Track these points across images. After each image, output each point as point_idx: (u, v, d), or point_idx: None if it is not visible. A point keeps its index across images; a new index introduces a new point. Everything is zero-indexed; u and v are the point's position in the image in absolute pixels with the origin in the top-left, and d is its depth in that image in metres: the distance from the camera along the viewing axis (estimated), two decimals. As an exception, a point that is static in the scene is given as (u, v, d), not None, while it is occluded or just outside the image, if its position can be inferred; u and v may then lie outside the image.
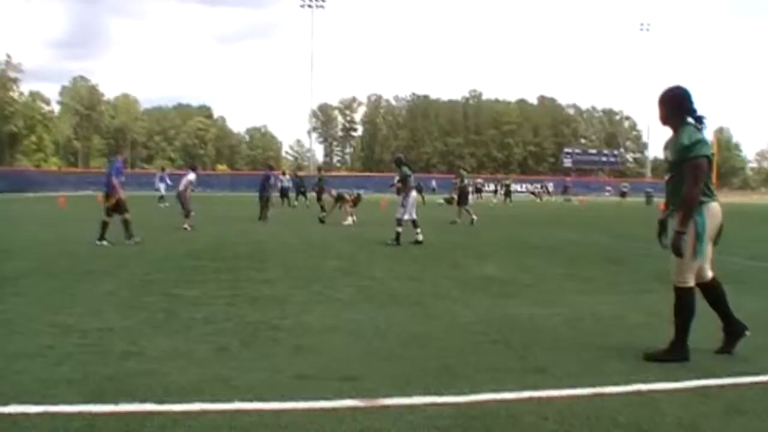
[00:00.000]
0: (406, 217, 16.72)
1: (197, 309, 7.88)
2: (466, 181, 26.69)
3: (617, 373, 5.40)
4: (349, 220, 23.90)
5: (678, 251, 5.74)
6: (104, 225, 15.42)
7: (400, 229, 16.38)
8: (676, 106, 5.93)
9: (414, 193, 17.54)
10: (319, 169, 42.10)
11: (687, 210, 5.68)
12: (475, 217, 24.74)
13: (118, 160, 16.48)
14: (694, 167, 5.65)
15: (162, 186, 37.90)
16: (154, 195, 37.43)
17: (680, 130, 5.83)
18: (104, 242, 15.11)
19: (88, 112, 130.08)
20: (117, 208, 15.53)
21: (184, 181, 21.30)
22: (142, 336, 6.45)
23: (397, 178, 18.94)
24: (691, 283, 5.84)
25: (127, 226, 15.39)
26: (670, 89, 6.05)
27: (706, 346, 6.11)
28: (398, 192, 18.71)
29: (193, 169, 22.75)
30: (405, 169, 17.31)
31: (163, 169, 28.98)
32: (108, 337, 6.38)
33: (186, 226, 19.71)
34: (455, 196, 28.87)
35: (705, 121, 5.86)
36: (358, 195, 26.63)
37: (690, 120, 5.84)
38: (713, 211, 5.76)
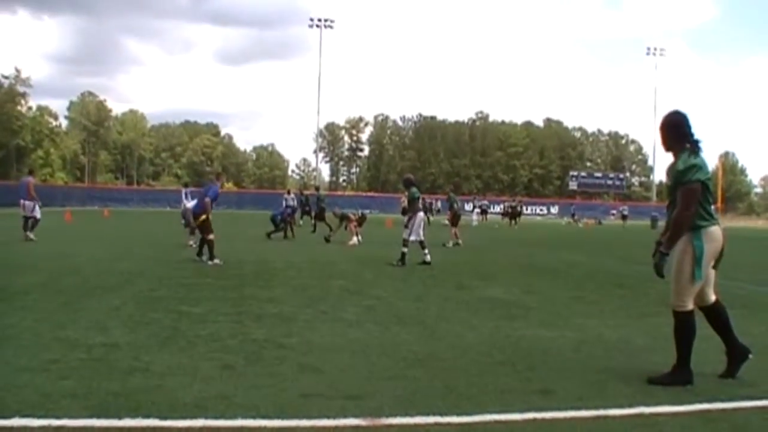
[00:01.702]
0: (412, 238, 16.70)
1: (202, 326, 7.88)
2: (457, 205, 26.72)
3: (621, 396, 5.39)
4: (354, 240, 23.87)
5: (659, 272, 5.78)
6: (209, 243, 15.57)
7: (405, 250, 16.37)
8: (674, 131, 5.97)
9: (421, 214, 17.50)
10: (317, 188, 42.01)
11: (674, 233, 5.73)
12: (460, 242, 24.67)
13: (217, 184, 16.56)
14: (686, 192, 5.69)
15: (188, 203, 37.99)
16: (168, 211, 37.58)
17: (678, 156, 5.86)
18: (216, 260, 15.26)
19: (95, 127, 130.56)
20: (202, 228, 15.63)
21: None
22: (147, 352, 6.45)
23: (403, 198, 18.98)
24: (690, 306, 5.84)
25: (210, 247, 15.39)
26: (669, 115, 6.10)
27: (710, 369, 6.10)
28: (404, 212, 18.67)
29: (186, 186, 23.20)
30: (414, 190, 17.27)
31: (186, 185, 29.08)
32: (113, 353, 6.39)
33: (192, 243, 19.69)
34: (447, 219, 29.03)
35: (701, 145, 5.87)
36: (363, 215, 26.62)
37: (688, 145, 5.86)
38: (713, 235, 5.77)
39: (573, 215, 69.23)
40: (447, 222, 31.82)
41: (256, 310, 9.10)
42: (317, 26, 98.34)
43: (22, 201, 22.25)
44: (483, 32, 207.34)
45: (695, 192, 5.67)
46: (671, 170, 5.93)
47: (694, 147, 5.84)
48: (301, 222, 36.21)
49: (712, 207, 5.92)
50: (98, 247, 19.56)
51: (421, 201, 18.27)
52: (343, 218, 25.29)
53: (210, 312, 8.86)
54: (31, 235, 21.44)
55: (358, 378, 5.75)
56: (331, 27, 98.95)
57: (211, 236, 15.48)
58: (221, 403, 4.91)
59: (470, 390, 5.47)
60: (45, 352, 6.31)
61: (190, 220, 20.02)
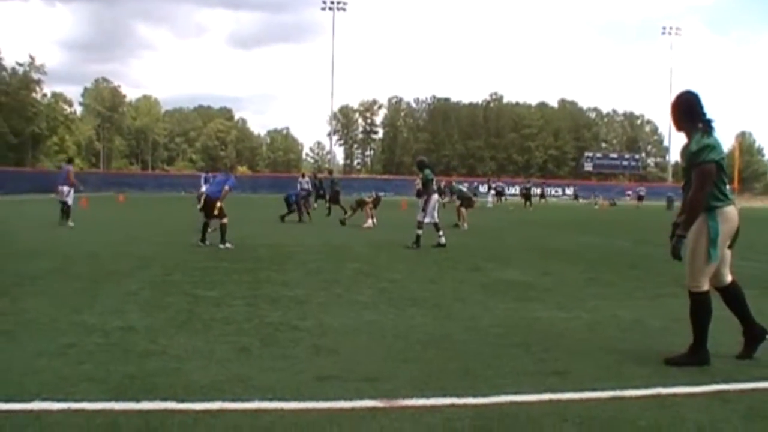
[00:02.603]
0: (427, 220, 16.62)
1: (218, 309, 7.92)
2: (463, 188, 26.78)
3: (637, 377, 5.38)
4: (369, 223, 23.90)
5: (676, 255, 5.77)
6: (223, 227, 15.71)
7: (420, 232, 16.32)
8: (686, 111, 5.92)
9: (435, 196, 17.44)
10: (330, 171, 41.97)
11: (690, 214, 5.69)
12: (466, 225, 24.40)
13: (232, 175, 17.08)
14: (701, 172, 5.64)
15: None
16: (182, 196, 37.59)
17: (692, 136, 5.82)
18: (228, 244, 15.37)
19: (110, 113, 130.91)
20: (219, 213, 15.77)
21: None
22: (163, 335, 6.49)
23: (418, 181, 18.97)
24: (705, 287, 5.81)
25: (224, 231, 15.53)
26: (680, 95, 6.06)
27: (726, 350, 6.08)
28: (419, 195, 18.63)
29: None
30: (427, 172, 17.12)
31: (207, 171, 29.09)
32: (129, 337, 6.43)
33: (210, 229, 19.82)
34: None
35: (714, 125, 5.82)
36: (378, 196, 26.57)
37: (700, 125, 5.82)
38: (728, 215, 5.73)
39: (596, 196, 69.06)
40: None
41: (271, 294, 9.13)
42: (330, 9, 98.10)
43: (60, 187, 23.17)
44: (496, 13, 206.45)
45: (710, 172, 5.63)
46: (685, 151, 5.90)
47: (707, 127, 5.79)
48: (315, 205, 36.21)
49: (728, 187, 5.87)
50: (113, 232, 19.67)
51: (436, 183, 18.25)
52: (360, 204, 25.31)
53: (225, 295, 8.90)
54: (71, 223, 22.14)
55: (374, 360, 5.77)
56: (344, 9, 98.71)
57: (225, 220, 15.55)
58: (238, 386, 4.94)
59: (486, 371, 5.47)
60: (62, 337, 6.35)
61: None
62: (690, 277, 5.85)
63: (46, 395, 4.62)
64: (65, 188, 23.14)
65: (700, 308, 5.82)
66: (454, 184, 28.53)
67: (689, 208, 5.71)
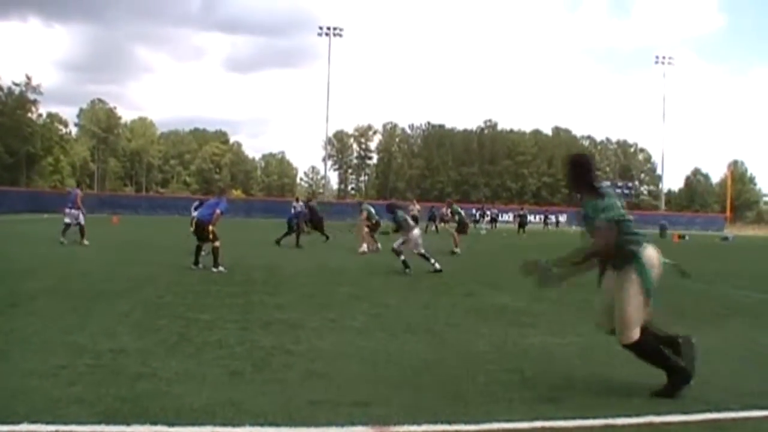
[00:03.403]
0: (416, 251, 16.84)
1: (210, 332, 7.90)
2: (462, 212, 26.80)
3: (629, 405, 5.37)
4: (364, 247, 23.84)
5: (543, 283, 6.09)
6: (215, 250, 15.65)
7: (402, 257, 16.45)
8: (580, 173, 6.04)
9: (416, 231, 17.66)
10: (311, 196, 42.11)
11: (578, 263, 5.84)
12: (458, 250, 24.32)
13: (223, 198, 16.97)
14: (598, 232, 5.80)
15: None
16: (176, 218, 37.64)
17: (586, 200, 5.92)
18: (221, 268, 15.26)
19: (105, 134, 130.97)
20: (212, 236, 15.76)
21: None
22: (155, 358, 6.47)
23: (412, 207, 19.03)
24: (637, 335, 5.79)
25: (216, 254, 15.49)
26: (573, 156, 6.27)
27: (719, 380, 6.08)
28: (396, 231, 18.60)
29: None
30: (399, 213, 17.60)
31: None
32: (121, 359, 6.41)
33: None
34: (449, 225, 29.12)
35: (608, 188, 5.98)
36: (377, 221, 26.31)
37: (596, 186, 5.91)
38: (651, 259, 5.80)
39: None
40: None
41: (263, 317, 9.11)
42: (326, 34, 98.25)
43: (68, 210, 24.20)
44: (491, 41, 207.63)
45: (606, 232, 5.68)
46: (579, 215, 5.97)
47: (598, 190, 5.82)
48: (306, 230, 36.26)
49: (638, 232, 5.91)
50: (107, 253, 19.61)
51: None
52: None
53: (218, 318, 8.87)
54: (86, 242, 22.97)
55: (366, 385, 5.75)
56: (340, 35, 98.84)
57: (217, 243, 15.55)
58: (229, 410, 4.92)
59: (478, 398, 5.46)
60: (53, 357, 6.33)
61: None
62: (624, 334, 5.81)
63: (35, 417, 4.60)
64: (74, 211, 23.89)
65: (645, 350, 5.85)
66: (455, 205, 28.37)
67: (581, 258, 5.78)
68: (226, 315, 9.18)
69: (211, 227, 15.67)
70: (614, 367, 6.74)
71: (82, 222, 23.87)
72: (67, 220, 23.97)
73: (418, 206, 43.09)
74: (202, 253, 15.92)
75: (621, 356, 7.24)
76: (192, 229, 16.75)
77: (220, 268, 15.07)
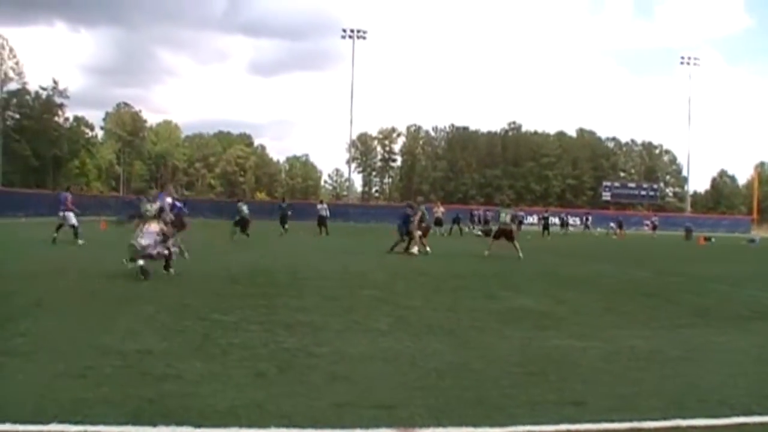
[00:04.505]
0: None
1: (234, 334, 7.93)
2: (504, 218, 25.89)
3: (655, 408, 5.34)
4: (415, 249, 23.75)
5: None
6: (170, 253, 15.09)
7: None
8: None
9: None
10: (283, 198, 43.02)
11: None
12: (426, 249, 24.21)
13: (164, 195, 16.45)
14: None
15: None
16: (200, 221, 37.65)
17: None
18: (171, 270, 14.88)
19: (130, 137, 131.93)
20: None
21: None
22: (180, 359, 6.51)
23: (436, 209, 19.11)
24: None
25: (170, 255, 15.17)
26: None
27: (745, 382, 6.04)
28: (438, 223, 18.60)
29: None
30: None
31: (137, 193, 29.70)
32: (147, 360, 6.45)
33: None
34: (493, 228, 28.62)
35: None
36: (428, 225, 25.92)
37: None
38: None
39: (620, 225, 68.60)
40: (480, 233, 31.51)
41: (287, 319, 9.13)
42: (350, 37, 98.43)
43: (62, 213, 25.28)
44: (515, 42, 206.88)
45: None
46: None
47: None
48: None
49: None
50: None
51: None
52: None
53: (242, 320, 8.90)
54: (80, 241, 24.03)
55: (390, 388, 5.76)
56: (363, 38, 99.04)
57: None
58: (254, 412, 4.95)
59: (502, 401, 5.46)
60: (80, 359, 6.39)
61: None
62: None
63: (63, 417, 4.66)
64: (68, 213, 25.17)
65: None
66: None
67: None
68: (250, 317, 9.21)
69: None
70: (639, 370, 6.71)
71: (74, 223, 25.07)
72: (72, 221, 25.25)
73: (442, 208, 42.95)
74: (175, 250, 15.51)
75: (646, 360, 7.23)
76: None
77: (172, 270, 14.76)
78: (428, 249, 24.32)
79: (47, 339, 7.36)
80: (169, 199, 15.81)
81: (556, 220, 69.30)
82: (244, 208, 31.94)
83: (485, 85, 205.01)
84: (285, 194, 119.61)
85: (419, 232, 24.47)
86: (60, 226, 24.94)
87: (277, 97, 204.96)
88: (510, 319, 9.78)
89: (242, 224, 31.33)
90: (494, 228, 26.34)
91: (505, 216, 24.81)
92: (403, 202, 33.41)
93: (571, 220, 74.65)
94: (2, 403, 5.02)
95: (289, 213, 37.61)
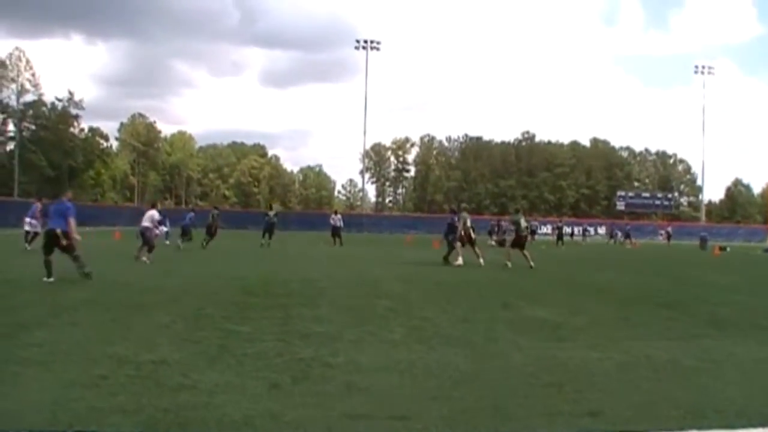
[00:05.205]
0: None
1: (250, 344, 7.93)
2: (524, 224, 25.20)
3: (671, 418, 5.31)
4: (460, 260, 23.53)
5: None
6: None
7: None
8: None
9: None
10: (270, 206, 41.69)
11: None
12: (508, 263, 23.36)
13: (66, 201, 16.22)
14: None
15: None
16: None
17: None
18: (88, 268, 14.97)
19: (145, 148, 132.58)
20: (70, 246, 15.12)
21: (146, 217, 23.21)
22: (195, 369, 6.51)
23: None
24: None
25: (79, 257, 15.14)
26: None
27: (759, 395, 5.99)
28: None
29: (153, 206, 25.00)
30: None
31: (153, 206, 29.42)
32: (162, 370, 6.46)
33: (145, 258, 21.35)
34: (508, 238, 28.33)
35: None
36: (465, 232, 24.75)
37: None
38: None
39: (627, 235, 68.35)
40: (494, 243, 31.43)
41: (302, 329, 9.13)
42: (363, 48, 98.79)
43: (29, 219, 27.08)
44: (529, 52, 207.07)
45: None
46: None
47: None
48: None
49: None
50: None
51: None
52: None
53: (257, 330, 8.91)
54: (28, 246, 25.53)
55: (405, 398, 5.75)
56: (377, 49, 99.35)
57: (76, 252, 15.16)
58: (269, 422, 4.94)
59: (518, 411, 5.43)
60: (95, 368, 6.40)
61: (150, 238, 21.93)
62: None
63: (78, 426, 4.67)
64: (34, 221, 26.59)
65: None
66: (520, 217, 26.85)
67: None
68: (266, 327, 9.21)
69: (68, 238, 15.03)
70: (656, 381, 6.66)
71: (27, 229, 26.76)
72: (26, 228, 27.00)
73: (456, 218, 42.90)
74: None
75: (663, 370, 7.19)
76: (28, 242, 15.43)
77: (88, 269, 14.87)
78: (481, 261, 23.77)
79: (62, 348, 7.38)
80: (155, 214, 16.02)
81: (571, 230, 69.26)
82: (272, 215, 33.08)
83: (499, 95, 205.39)
84: (297, 203, 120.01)
85: (459, 243, 24.18)
86: (28, 235, 26.47)
87: (290, 108, 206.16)
88: (525, 329, 9.74)
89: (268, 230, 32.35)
90: (511, 237, 25.87)
91: (524, 224, 24.67)
92: (448, 210, 32.37)
93: (592, 230, 74.73)
94: (17, 411, 5.03)
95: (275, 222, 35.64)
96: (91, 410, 5.07)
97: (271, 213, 35.95)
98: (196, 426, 4.79)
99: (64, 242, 14.82)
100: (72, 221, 15.20)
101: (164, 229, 36.22)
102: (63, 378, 6.02)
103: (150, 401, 5.35)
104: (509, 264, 23.11)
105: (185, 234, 32.27)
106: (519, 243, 24.13)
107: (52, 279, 14.32)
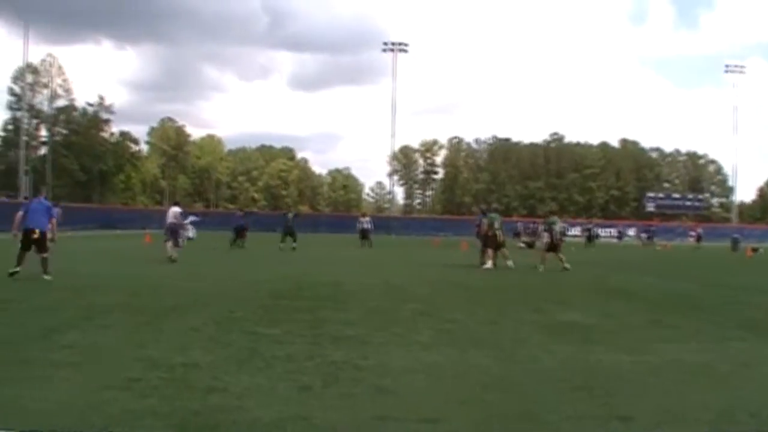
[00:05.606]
0: None
1: (280, 347, 7.97)
2: (556, 228, 24.86)
3: (703, 422, 5.27)
4: (489, 264, 23.39)
5: None
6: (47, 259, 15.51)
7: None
8: None
9: None
10: (241, 209, 41.87)
11: None
12: (567, 265, 23.16)
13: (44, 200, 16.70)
14: None
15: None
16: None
17: None
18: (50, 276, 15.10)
19: (174, 152, 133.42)
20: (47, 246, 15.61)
21: (171, 214, 24.08)
22: (226, 372, 6.56)
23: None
24: None
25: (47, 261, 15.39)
26: None
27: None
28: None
29: (176, 204, 25.90)
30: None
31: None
32: (193, 372, 6.51)
33: (173, 253, 22.37)
34: (542, 240, 28.13)
35: None
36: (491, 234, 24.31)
37: None
38: None
39: (648, 236, 67.78)
40: (523, 245, 31.34)
41: (331, 332, 9.15)
42: (391, 50, 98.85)
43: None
44: (557, 53, 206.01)
45: None
46: None
47: None
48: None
49: None
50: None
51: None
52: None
53: (287, 333, 8.94)
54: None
55: (434, 401, 5.75)
56: (405, 51, 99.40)
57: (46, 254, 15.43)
58: (299, 424, 4.97)
59: (548, 415, 5.41)
60: (127, 371, 6.47)
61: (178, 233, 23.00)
62: None
63: (110, 428, 4.72)
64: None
65: None
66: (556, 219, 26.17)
67: None
68: (295, 330, 9.24)
69: (49, 237, 15.63)
70: (687, 384, 6.62)
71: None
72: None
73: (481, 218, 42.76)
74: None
75: (694, 373, 7.13)
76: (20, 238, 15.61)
77: (49, 276, 14.98)
78: (510, 263, 23.64)
79: (94, 351, 7.46)
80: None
81: (597, 233, 68.82)
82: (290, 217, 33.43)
83: (527, 97, 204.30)
84: (326, 206, 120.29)
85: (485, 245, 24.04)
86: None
87: (319, 111, 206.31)
88: (555, 333, 9.70)
89: (289, 233, 32.59)
90: (545, 240, 25.53)
91: (559, 227, 24.51)
92: (477, 212, 30.99)
93: (630, 232, 74.37)
94: (50, 413, 5.09)
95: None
96: (123, 412, 5.13)
97: (290, 215, 35.59)
98: (227, 428, 4.83)
99: (43, 240, 15.45)
100: (54, 222, 15.96)
101: (190, 227, 36.83)
102: (95, 380, 6.08)
103: (181, 404, 5.40)
104: (542, 268, 22.89)
105: (239, 235, 33.75)
106: (554, 246, 23.94)
107: (18, 269, 15.01)
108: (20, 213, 15.73)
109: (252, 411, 5.27)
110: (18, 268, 14.94)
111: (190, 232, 37.35)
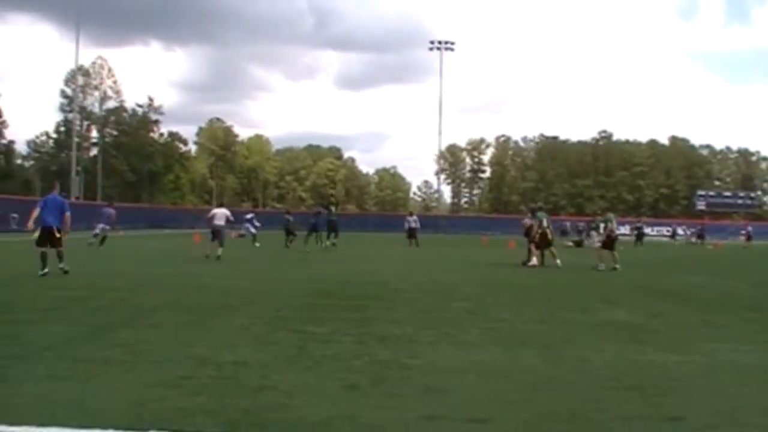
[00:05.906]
0: None
1: (327, 346, 7.99)
2: (613, 225, 24.33)
3: (757, 425, 5.18)
4: (534, 261, 23.44)
5: None
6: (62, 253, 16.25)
7: None
8: None
9: None
10: (287, 212, 41.39)
11: None
12: (617, 265, 22.74)
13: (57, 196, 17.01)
14: None
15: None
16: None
17: None
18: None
19: (222, 152, 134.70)
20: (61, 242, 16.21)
21: (219, 216, 24.79)
22: (274, 370, 6.60)
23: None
24: None
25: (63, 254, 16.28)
26: None
27: None
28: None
29: (221, 205, 27.20)
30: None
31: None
32: (242, 371, 6.56)
33: (218, 251, 23.22)
34: (598, 238, 27.78)
35: None
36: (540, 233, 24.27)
37: None
38: None
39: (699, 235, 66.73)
40: (571, 243, 31.02)
41: (379, 331, 9.15)
42: (437, 49, 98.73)
43: (102, 226, 30.89)
44: (605, 50, 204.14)
45: None
46: None
47: None
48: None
49: None
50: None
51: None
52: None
53: (334, 332, 8.97)
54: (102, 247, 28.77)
55: (483, 401, 5.73)
56: (451, 49, 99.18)
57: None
58: (347, 423, 4.98)
59: (597, 415, 5.36)
60: (177, 369, 6.54)
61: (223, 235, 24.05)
62: None
63: (160, 426, 4.76)
64: (107, 226, 30.96)
65: None
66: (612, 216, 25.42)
67: None
68: (343, 329, 9.26)
69: (63, 234, 16.18)
70: (740, 385, 6.50)
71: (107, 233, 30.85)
72: (96, 231, 30.89)
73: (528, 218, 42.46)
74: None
75: (747, 375, 7.01)
76: (36, 235, 16.11)
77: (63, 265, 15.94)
78: (558, 262, 23.55)
79: (145, 349, 7.55)
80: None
81: (649, 230, 68.03)
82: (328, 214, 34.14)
83: (575, 94, 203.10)
84: (373, 205, 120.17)
85: (533, 244, 24.00)
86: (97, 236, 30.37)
87: (365, 110, 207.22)
88: (603, 332, 9.60)
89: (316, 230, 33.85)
90: (601, 238, 25.16)
91: (615, 224, 24.21)
92: (526, 211, 30.62)
93: (682, 231, 73.47)
94: (102, 410, 5.16)
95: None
96: (173, 410, 5.18)
97: (324, 211, 35.74)
98: (276, 427, 4.85)
99: (57, 236, 16.06)
100: (68, 217, 16.41)
101: (252, 230, 37.46)
102: (146, 378, 6.16)
103: (231, 402, 5.44)
104: (602, 266, 22.64)
105: (290, 233, 34.82)
106: (610, 244, 23.66)
107: (47, 270, 15.44)
108: (37, 209, 16.24)
109: (300, 409, 5.30)
110: (46, 270, 15.38)
111: (253, 228, 39.02)
